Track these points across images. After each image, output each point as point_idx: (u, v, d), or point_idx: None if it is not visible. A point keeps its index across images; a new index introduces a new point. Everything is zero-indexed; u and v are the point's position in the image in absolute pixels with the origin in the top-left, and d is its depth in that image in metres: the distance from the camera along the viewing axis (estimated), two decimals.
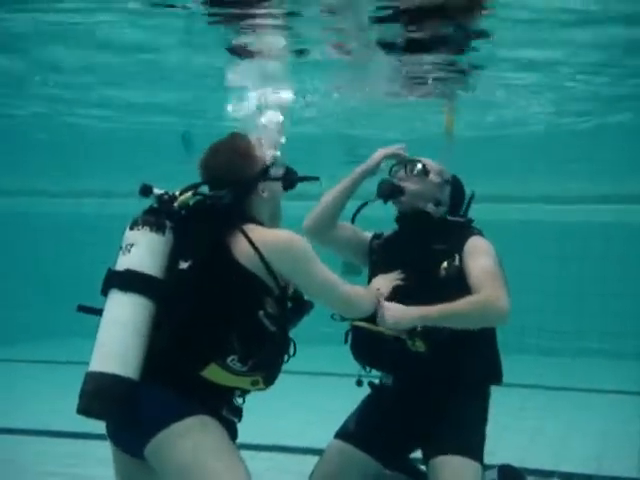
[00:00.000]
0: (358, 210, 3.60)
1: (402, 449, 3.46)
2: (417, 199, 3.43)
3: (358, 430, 3.40)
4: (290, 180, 3.07)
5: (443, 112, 6.99)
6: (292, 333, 2.93)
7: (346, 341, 3.42)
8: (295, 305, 2.90)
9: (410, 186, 3.44)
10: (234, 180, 2.91)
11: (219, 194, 2.91)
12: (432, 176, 3.46)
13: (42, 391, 8.24)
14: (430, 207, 3.44)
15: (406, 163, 3.49)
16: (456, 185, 3.55)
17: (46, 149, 11.31)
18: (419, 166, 3.46)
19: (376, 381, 3.50)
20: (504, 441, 6.30)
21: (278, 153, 3.06)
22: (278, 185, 3.04)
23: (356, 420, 3.45)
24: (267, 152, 3.02)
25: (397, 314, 3.06)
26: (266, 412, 7.04)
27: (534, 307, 11.48)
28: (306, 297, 2.93)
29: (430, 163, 3.51)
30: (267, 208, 3.00)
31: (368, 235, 3.63)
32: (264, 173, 2.97)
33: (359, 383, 3.39)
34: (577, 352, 11.58)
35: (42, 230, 13.25)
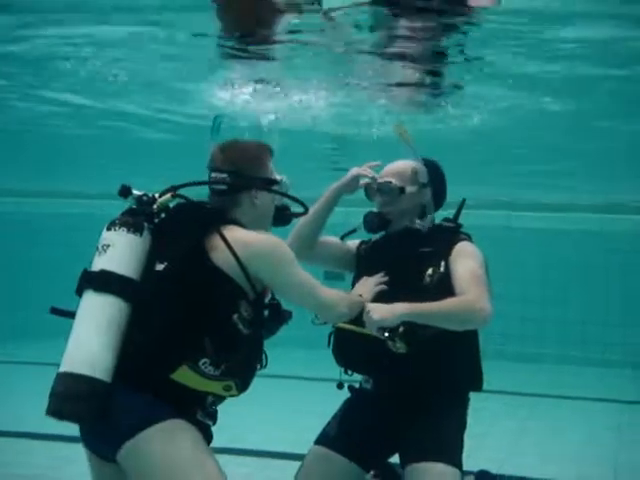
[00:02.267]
0: (346, 235, 3.59)
1: (383, 453, 3.45)
2: (402, 218, 3.43)
3: (338, 435, 3.39)
4: (283, 215, 3.08)
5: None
6: (270, 341, 2.92)
7: (329, 344, 3.43)
8: (273, 313, 2.88)
9: (393, 210, 3.42)
10: (234, 172, 2.91)
11: (217, 179, 2.92)
12: (408, 188, 3.42)
13: (29, 393, 8.17)
14: (418, 223, 3.42)
15: (379, 187, 3.44)
16: (434, 177, 3.47)
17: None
18: (392, 187, 3.41)
19: (356, 385, 3.49)
20: (485, 448, 6.33)
21: (287, 180, 3.06)
22: (271, 203, 3.02)
23: (336, 425, 3.44)
24: (279, 175, 3.03)
25: (382, 311, 3.06)
26: (245, 417, 7.05)
27: (516, 314, 11.53)
28: (279, 297, 2.90)
29: (401, 171, 3.44)
30: (254, 217, 2.96)
31: (354, 244, 3.62)
32: (264, 181, 2.97)
33: (340, 386, 3.39)
34: (559, 359, 11.64)
35: (38, 231, 13.24)
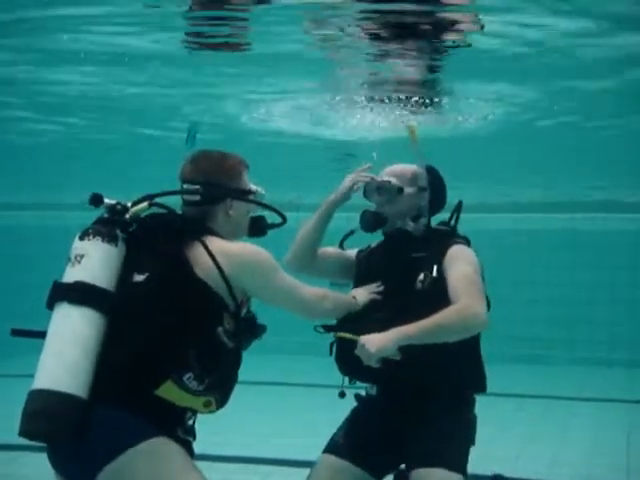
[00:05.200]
0: (345, 238, 3.57)
1: (392, 460, 3.38)
2: (397, 219, 3.42)
3: (347, 443, 3.35)
4: (259, 226, 3.03)
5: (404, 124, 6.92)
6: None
7: (331, 353, 3.39)
8: (248, 326, 2.81)
9: (390, 210, 3.41)
10: (206, 183, 2.85)
11: (190, 190, 2.85)
12: (407, 189, 3.42)
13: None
14: (410, 225, 3.42)
15: (378, 186, 3.44)
16: (433, 181, 3.47)
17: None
18: (391, 186, 3.40)
19: (362, 392, 3.44)
20: (495, 450, 6.31)
21: (262, 190, 3.01)
22: (246, 214, 2.97)
23: (344, 433, 3.40)
24: (255, 185, 2.99)
25: (377, 343, 3.01)
26: (250, 425, 7.06)
27: (525, 316, 11.52)
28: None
29: (401, 171, 3.45)
30: (229, 228, 2.90)
31: (353, 252, 3.60)
32: (238, 192, 2.91)
33: (342, 395, 3.34)
34: (568, 361, 11.61)
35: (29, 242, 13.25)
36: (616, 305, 11.73)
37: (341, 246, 3.60)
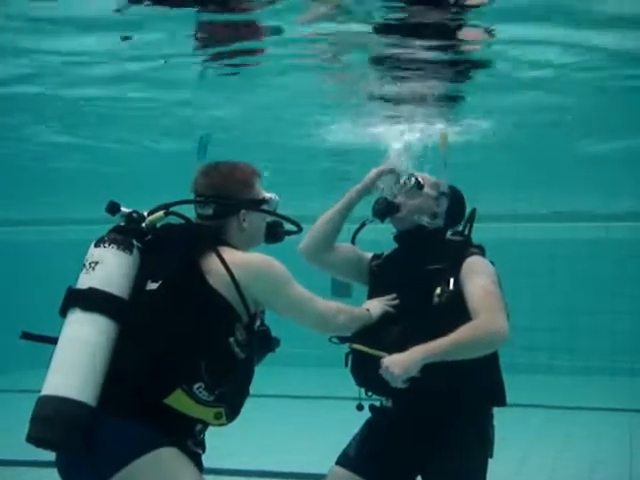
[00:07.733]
0: (357, 231, 3.56)
1: (403, 475, 3.37)
2: (413, 214, 3.42)
3: (359, 456, 3.33)
4: (276, 232, 3.02)
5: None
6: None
7: (346, 364, 3.36)
8: (262, 339, 2.80)
9: (405, 202, 3.43)
10: (219, 196, 2.86)
11: (204, 203, 2.86)
12: (427, 189, 3.45)
13: None
14: (425, 220, 3.42)
15: (400, 179, 3.49)
16: (454, 196, 3.51)
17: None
18: (412, 180, 3.44)
19: (377, 404, 3.41)
20: (496, 460, 6.28)
21: (276, 197, 3.01)
22: (261, 223, 2.97)
23: (357, 446, 3.37)
24: (268, 193, 2.99)
25: (401, 364, 2.98)
26: (266, 437, 7.02)
27: (526, 326, 11.49)
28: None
29: (424, 176, 3.49)
30: (243, 239, 2.90)
31: (369, 255, 3.59)
32: (252, 202, 2.91)
33: (360, 408, 3.32)
34: (570, 370, 11.60)
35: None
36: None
37: (353, 240, 3.59)
